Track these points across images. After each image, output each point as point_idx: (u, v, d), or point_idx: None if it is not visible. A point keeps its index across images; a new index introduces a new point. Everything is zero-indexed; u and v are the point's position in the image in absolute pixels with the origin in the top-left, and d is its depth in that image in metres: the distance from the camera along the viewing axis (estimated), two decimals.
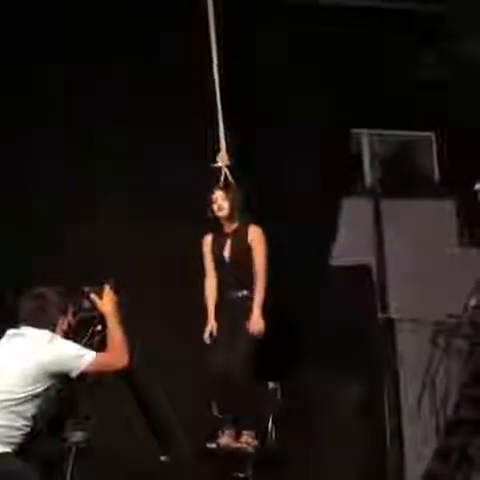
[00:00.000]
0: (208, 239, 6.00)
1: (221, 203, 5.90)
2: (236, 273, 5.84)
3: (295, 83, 7.27)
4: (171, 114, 6.84)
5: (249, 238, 5.88)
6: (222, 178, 6.11)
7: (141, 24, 6.96)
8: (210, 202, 5.93)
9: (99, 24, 6.90)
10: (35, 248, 6.54)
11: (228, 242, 5.91)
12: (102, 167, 6.86)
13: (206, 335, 5.85)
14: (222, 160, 6.12)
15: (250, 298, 5.81)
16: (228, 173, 6.11)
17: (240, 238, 5.89)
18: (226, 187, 6.00)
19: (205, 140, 6.29)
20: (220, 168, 6.12)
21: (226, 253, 5.90)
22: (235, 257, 5.86)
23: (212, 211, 5.94)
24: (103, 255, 6.43)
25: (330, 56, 7.50)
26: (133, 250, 6.60)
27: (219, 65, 6.22)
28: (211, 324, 5.86)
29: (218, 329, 5.83)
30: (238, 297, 5.80)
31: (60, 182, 6.74)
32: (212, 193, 5.95)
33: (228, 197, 5.91)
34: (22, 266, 6.29)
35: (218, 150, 6.16)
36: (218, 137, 6.18)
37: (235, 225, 5.94)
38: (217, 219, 5.96)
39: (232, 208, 5.91)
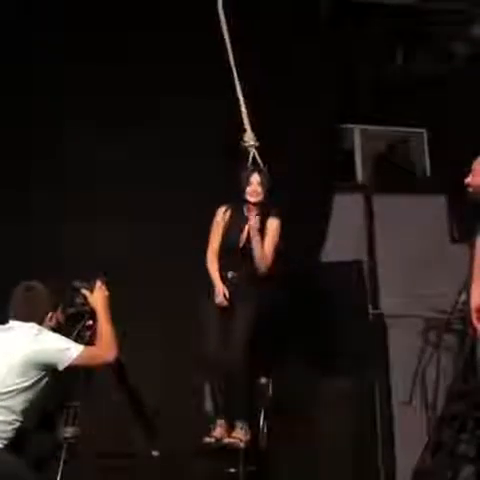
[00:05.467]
0: (227, 213, 5.69)
1: (256, 188, 5.61)
2: (240, 257, 5.64)
3: (286, 80, 7.26)
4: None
5: (266, 228, 5.65)
6: (250, 159, 5.84)
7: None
8: (245, 183, 5.63)
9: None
10: (33, 247, 6.54)
11: (246, 228, 5.64)
12: (101, 165, 6.85)
13: (220, 298, 5.55)
14: (250, 140, 5.83)
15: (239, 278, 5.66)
16: (257, 155, 5.85)
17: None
18: (260, 171, 5.69)
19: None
20: (248, 148, 5.85)
21: (242, 237, 5.66)
22: (248, 244, 5.63)
23: (243, 192, 5.63)
24: (102, 254, 6.42)
25: (322, 52, 7.51)
26: (132, 250, 6.60)
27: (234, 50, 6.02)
28: (219, 286, 5.56)
29: (212, 308, 5.62)
30: (230, 278, 5.64)
31: (60, 181, 6.75)
32: (248, 174, 5.66)
33: (263, 183, 5.62)
34: (20, 265, 6.29)
35: (244, 131, 5.87)
36: (241, 118, 5.89)
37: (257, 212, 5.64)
38: (245, 201, 5.65)
39: (265, 195, 5.62)
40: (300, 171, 7.19)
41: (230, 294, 5.62)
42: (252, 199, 5.65)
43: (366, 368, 7.36)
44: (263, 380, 5.96)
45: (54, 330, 4.38)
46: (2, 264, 6.35)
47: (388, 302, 7.53)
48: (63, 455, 4.42)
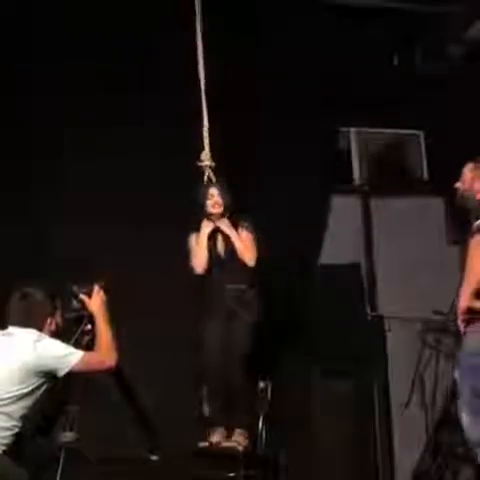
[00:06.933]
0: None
1: (218, 199, 5.85)
2: (232, 267, 5.79)
3: (284, 81, 7.26)
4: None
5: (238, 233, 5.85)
6: (205, 177, 6.06)
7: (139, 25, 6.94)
8: (205, 198, 5.88)
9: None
10: (32, 249, 6.54)
11: (220, 238, 5.87)
12: (101, 166, 6.85)
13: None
14: (206, 160, 6.08)
15: (247, 291, 5.79)
16: (211, 174, 6.06)
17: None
18: (217, 184, 5.95)
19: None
20: (203, 167, 6.08)
21: (220, 248, 5.86)
22: (230, 251, 5.82)
23: (204, 207, 5.88)
24: (101, 255, 6.43)
25: (319, 54, 7.51)
26: (129, 251, 6.60)
27: (206, 64, 6.19)
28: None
29: (213, 319, 5.76)
30: (234, 289, 5.75)
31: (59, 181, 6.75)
32: (206, 189, 5.91)
33: (222, 194, 5.87)
34: (20, 266, 6.29)
35: (202, 149, 6.12)
36: (202, 136, 6.14)
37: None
38: (210, 215, 5.88)
39: (226, 205, 5.86)
40: (297, 173, 7.19)
41: (234, 303, 5.72)
42: (215, 210, 5.88)
43: (365, 370, 7.37)
44: (262, 384, 5.96)
45: (54, 335, 4.37)
46: (2, 265, 6.35)
47: (386, 304, 7.53)
48: (62, 460, 4.43)
